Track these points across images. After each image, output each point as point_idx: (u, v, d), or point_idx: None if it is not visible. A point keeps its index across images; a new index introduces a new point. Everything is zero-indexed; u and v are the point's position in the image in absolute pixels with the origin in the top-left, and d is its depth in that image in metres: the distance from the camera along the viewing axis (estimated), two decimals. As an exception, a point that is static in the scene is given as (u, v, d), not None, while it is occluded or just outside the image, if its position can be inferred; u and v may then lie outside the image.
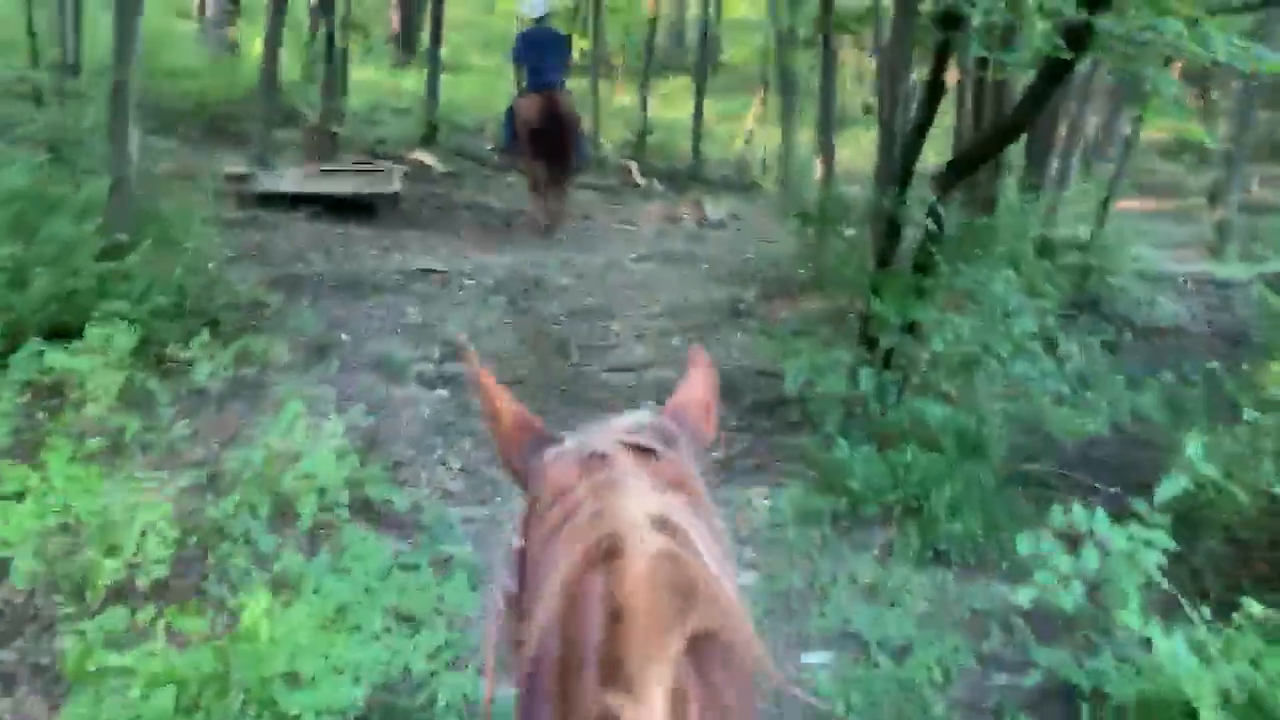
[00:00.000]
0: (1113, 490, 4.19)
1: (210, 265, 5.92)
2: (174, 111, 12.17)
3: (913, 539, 4.16)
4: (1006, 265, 5.54)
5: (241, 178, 9.05)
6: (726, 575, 0.89)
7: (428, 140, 13.02)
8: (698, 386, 1.24)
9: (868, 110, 22.31)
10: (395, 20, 20.65)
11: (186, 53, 14.65)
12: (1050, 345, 5.80)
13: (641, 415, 1.08)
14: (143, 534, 3.13)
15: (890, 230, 5.09)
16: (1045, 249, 7.52)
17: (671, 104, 19.73)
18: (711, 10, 19.39)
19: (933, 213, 4.86)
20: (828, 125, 15.43)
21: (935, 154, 11.34)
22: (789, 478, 4.85)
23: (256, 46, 17.08)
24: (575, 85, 17.66)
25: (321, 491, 3.78)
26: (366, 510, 4.12)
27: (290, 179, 9.16)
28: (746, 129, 17.03)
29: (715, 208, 11.89)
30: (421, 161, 12.28)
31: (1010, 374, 4.86)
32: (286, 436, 3.91)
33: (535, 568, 0.94)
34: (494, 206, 10.96)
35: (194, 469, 4.22)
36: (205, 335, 4.63)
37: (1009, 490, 4.50)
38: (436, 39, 13.75)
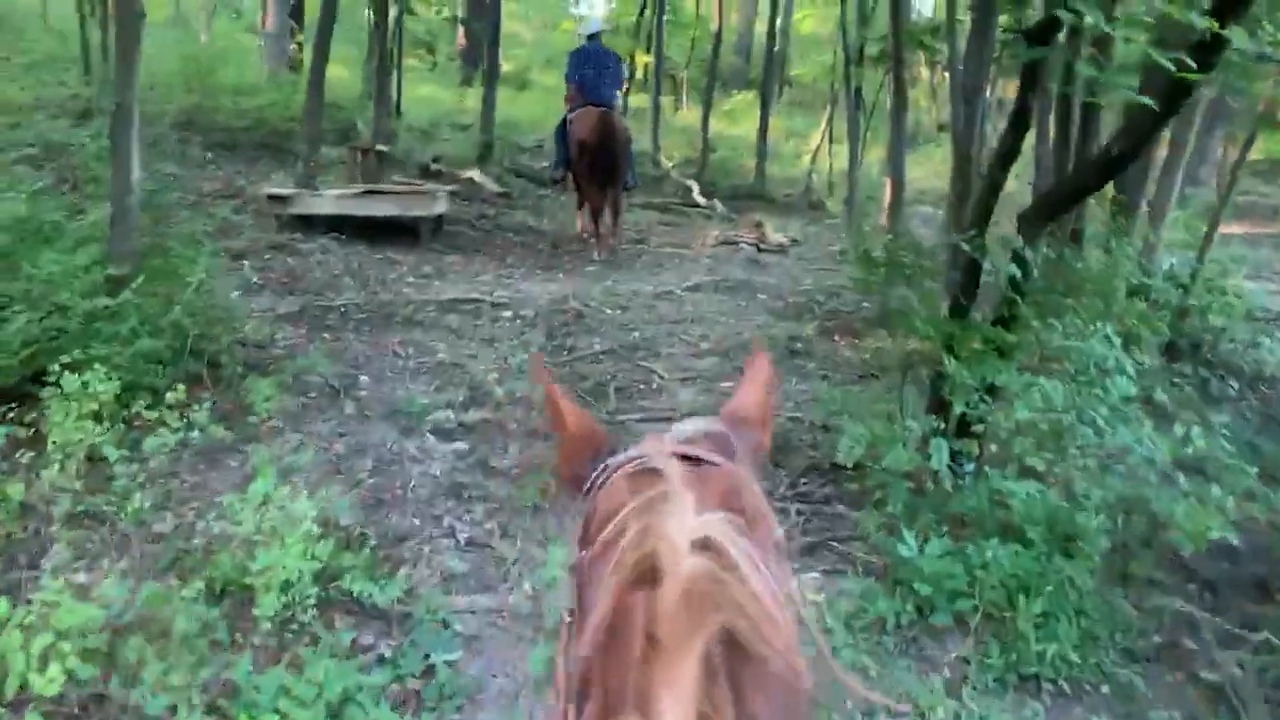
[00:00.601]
0: (1244, 617, 3.37)
1: (218, 299, 5.35)
2: (229, 129, 11.80)
3: (993, 657, 3.39)
4: (1101, 314, 4.72)
5: (281, 199, 8.56)
6: (775, 591, 0.83)
7: (483, 159, 12.49)
8: (755, 390, 1.17)
9: (942, 128, 21.42)
10: (462, 36, 20.31)
11: (248, 69, 14.34)
12: (1153, 407, 4.97)
13: (698, 423, 1.06)
14: (43, 659, 2.52)
15: (968, 277, 4.32)
16: (1139, 286, 6.64)
17: (736, 121, 19.02)
18: (780, 24, 18.65)
19: (1018, 258, 4.08)
20: (898, 145, 14.61)
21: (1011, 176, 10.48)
22: (846, 564, 4.11)
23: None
24: (637, 101, 17.09)
25: (286, 586, 3.15)
26: (346, 602, 3.48)
27: (330, 201, 8.64)
28: (813, 148, 16.23)
29: (776, 231, 11.14)
30: (474, 181, 11.75)
31: (1108, 446, 4.06)
32: (256, 517, 3.28)
33: (589, 584, 0.91)
34: (544, 229, 10.35)
35: (153, 545, 3.64)
36: (181, 391, 4.03)
37: (1111, 594, 3.70)
38: (493, 56, 13.19)
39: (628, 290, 8.26)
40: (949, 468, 3.95)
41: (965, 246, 4.13)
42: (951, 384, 4.07)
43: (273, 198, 8.56)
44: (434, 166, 12.13)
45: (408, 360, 6.05)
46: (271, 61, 14.60)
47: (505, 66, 20.67)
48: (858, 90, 14.03)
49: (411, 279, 7.91)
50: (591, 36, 10.00)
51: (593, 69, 9.58)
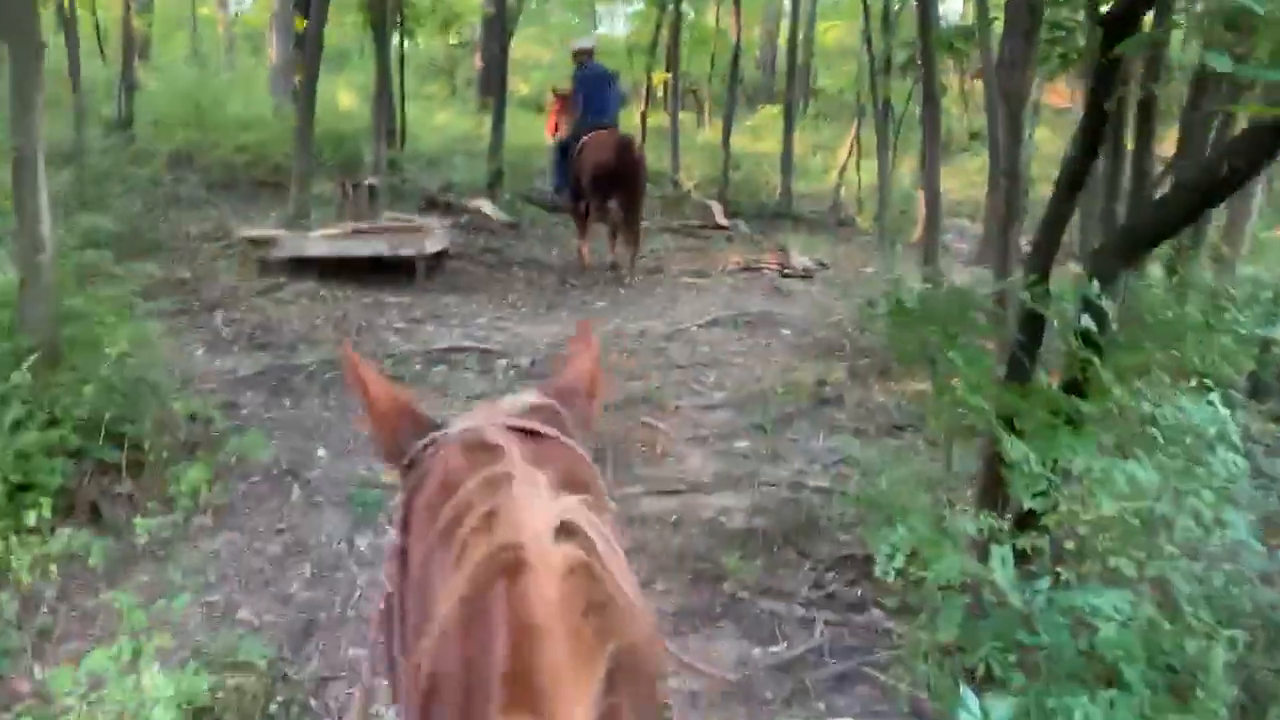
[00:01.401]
0: None
1: (150, 369, 4.53)
2: (229, 166, 11.12)
3: None
4: (1192, 365, 3.75)
5: (263, 242, 7.78)
6: (631, 578, 0.79)
7: (492, 188, 11.67)
8: (582, 363, 1.05)
9: (974, 136, 20.36)
10: (478, 61, 19.60)
11: (255, 103, 13.66)
12: (1262, 478, 3.99)
13: (526, 396, 0.97)
14: None
15: (1030, 332, 3.38)
16: (1215, 315, 5.62)
17: (760, 136, 18.08)
18: (802, 36, 17.74)
19: (1091, 307, 3.14)
20: (932, 157, 13.61)
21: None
22: (885, 702, 3.18)
23: (334, 93, 16.20)
24: (655, 119, 16.22)
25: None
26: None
27: (315, 242, 7.85)
28: (840, 162, 15.25)
29: (803, 253, 10.19)
30: (482, 212, 10.95)
31: (1214, 541, 3.11)
32: (88, 702, 2.43)
33: (422, 570, 0.82)
34: (552, 263, 9.49)
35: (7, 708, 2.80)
36: (45, 506, 3.18)
37: (1239, 757, 2.74)
38: (501, 79, 12.41)
39: (636, 329, 7.38)
40: (1013, 583, 3.01)
41: (1026, 298, 3.19)
42: (1016, 471, 3.13)
43: (254, 241, 7.79)
44: (441, 197, 11.36)
45: (377, 428, 5.20)
46: (278, 94, 13.94)
47: (523, 89, 19.92)
48: (885, 101, 13.08)
49: (400, 325, 7.08)
50: (582, 53, 9.49)
51: (597, 90, 9.14)
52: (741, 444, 5.27)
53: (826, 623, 3.60)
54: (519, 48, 16.22)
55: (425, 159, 13.22)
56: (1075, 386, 3.33)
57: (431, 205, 11.27)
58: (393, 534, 0.90)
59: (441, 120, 17.23)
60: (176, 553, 3.79)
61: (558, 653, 0.70)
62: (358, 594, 3.73)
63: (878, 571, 3.24)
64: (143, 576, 3.70)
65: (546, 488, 0.79)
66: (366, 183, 8.67)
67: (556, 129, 10.20)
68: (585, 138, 9.07)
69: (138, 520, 3.51)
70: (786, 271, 9.48)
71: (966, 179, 17.60)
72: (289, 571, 3.82)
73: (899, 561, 3.14)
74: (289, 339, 6.48)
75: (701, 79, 19.52)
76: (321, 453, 4.80)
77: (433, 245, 8.16)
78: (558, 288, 8.62)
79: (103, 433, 4.11)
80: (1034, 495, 3.19)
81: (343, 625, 3.54)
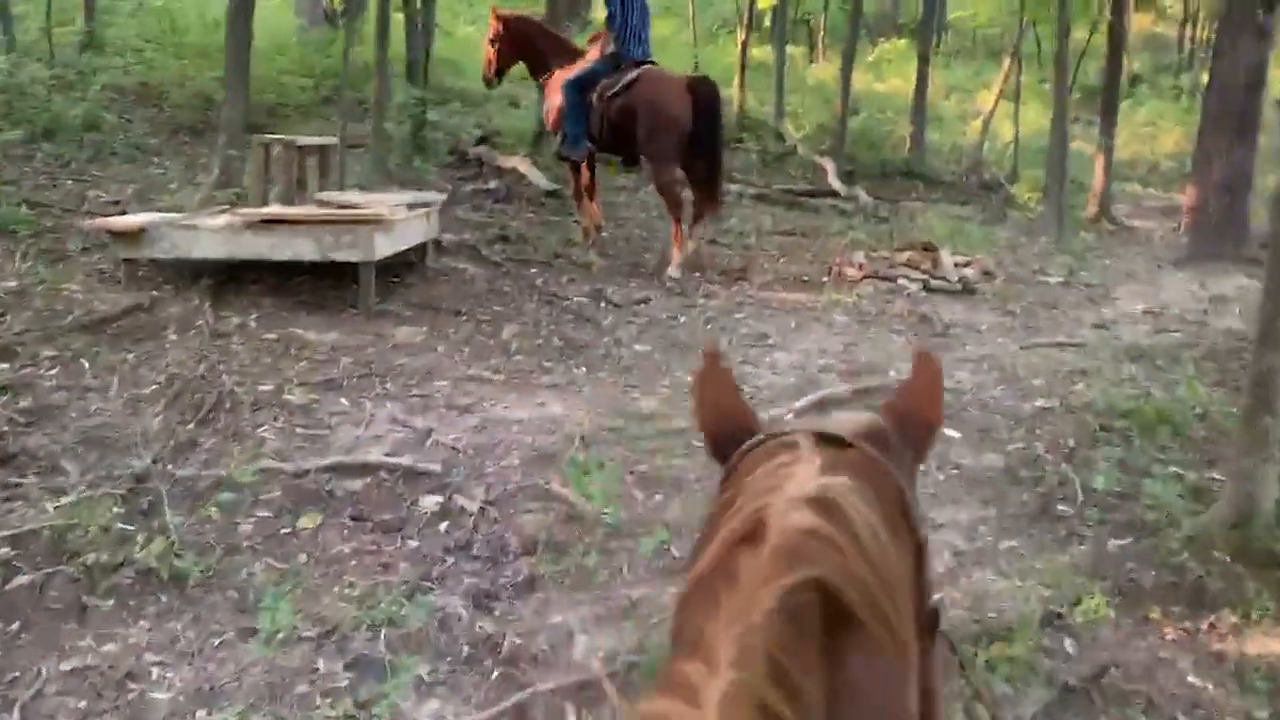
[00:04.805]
0: None
1: None
2: (208, 103, 7.98)
3: None
4: None
5: (129, 236, 4.63)
6: (891, 561, 0.72)
7: (538, 142, 8.27)
8: (923, 398, 0.90)
9: (1136, 81, 15.90)
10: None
11: (278, 24, 10.44)
12: None
13: (860, 415, 0.87)
14: None
15: None
16: None
17: (882, 75, 14.09)
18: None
19: None
20: (1111, 107, 9.67)
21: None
22: None
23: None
24: (758, 53, 12.47)
25: None
26: None
27: (206, 237, 4.64)
28: (985, 110, 11.30)
29: (954, 250, 6.55)
30: (517, 172, 7.62)
31: None
32: None
33: (703, 544, 0.79)
34: (590, 261, 6.09)
35: None
36: None
37: None
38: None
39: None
40: None
41: None
42: None
43: (115, 233, 4.64)
44: (473, 153, 8.06)
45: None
46: (307, 16, 10.71)
47: (598, 15, 16.21)
48: (1065, 36, 9.11)
49: (294, 396, 3.86)
50: None
51: (640, 12, 6.08)
52: None
53: None
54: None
55: (472, 100, 9.81)
56: None
57: (463, 162, 8.01)
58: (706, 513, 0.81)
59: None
60: None
61: (749, 605, 0.65)
62: None
63: None
64: None
65: (819, 469, 0.75)
66: (307, 143, 5.35)
67: (497, 66, 6.59)
68: (634, 75, 5.78)
69: None
70: (934, 282, 5.91)
71: (1130, 132, 13.40)
72: None
73: None
74: (67, 442, 3.33)
75: (815, 6, 15.49)
76: None
77: (391, 244, 4.86)
78: (586, 310, 5.26)
79: None
80: None
81: None
